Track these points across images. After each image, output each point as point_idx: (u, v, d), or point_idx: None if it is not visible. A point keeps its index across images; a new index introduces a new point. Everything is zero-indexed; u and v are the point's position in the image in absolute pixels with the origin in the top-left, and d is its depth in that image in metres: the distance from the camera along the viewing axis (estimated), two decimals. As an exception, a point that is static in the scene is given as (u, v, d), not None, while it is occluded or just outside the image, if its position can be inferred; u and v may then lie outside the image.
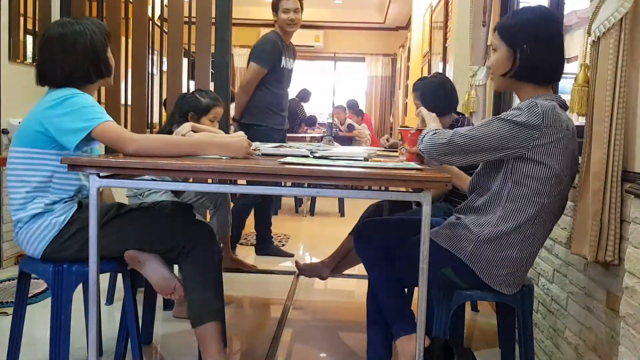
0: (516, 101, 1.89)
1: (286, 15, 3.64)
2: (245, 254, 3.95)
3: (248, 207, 3.88)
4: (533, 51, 1.72)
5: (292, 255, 3.90)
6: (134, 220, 1.95)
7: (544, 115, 1.64)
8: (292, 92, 8.45)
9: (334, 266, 2.79)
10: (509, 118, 1.67)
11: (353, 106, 8.98)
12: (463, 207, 1.86)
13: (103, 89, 4.27)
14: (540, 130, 1.64)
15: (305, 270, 2.88)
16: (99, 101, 4.27)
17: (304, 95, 8.43)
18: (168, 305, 2.82)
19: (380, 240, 1.96)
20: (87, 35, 1.88)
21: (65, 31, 1.87)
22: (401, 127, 2.42)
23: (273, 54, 3.63)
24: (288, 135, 6.79)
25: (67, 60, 1.86)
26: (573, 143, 1.73)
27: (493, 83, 1.89)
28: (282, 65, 3.68)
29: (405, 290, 2.16)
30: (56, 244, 1.85)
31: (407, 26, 9.41)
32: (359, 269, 2.57)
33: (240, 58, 10.96)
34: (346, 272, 2.89)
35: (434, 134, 1.75)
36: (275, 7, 3.69)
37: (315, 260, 3.14)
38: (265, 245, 3.99)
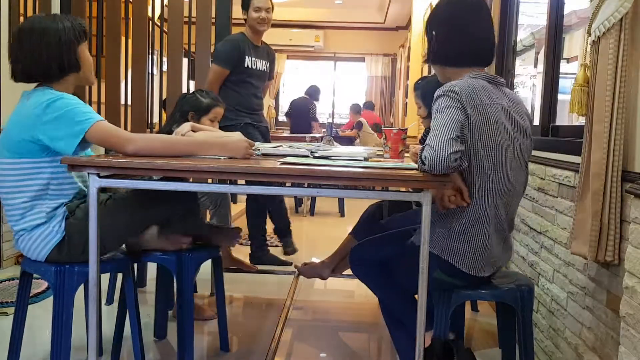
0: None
1: (257, 14, 3.52)
2: (246, 253, 3.95)
3: (260, 208, 3.85)
4: (440, 34, 1.83)
5: (290, 264, 3.83)
6: (119, 208, 1.92)
7: (460, 94, 1.68)
8: (296, 90, 8.42)
9: (334, 266, 2.79)
10: (439, 109, 1.69)
11: (353, 108, 8.97)
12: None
13: (103, 89, 4.28)
14: (465, 109, 1.67)
15: (306, 271, 2.88)
16: (98, 101, 4.28)
17: (313, 93, 8.20)
18: (168, 305, 2.82)
19: (373, 259, 1.98)
20: (55, 30, 1.83)
21: (34, 26, 1.84)
22: (385, 127, 2.49)
23: (232, 54, 3.53)
24: (293, 135, 6.77)
25: (30, 53, 1.82)
26: (505, 112, 1.75)
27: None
28: (246, 65, 3.56)
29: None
30: (60, 250, 1.84)
31: (407, 26, 9.40)
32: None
33: (240, 58, 10.95)
34: (346, 272, 2.88)
35: (422, 161, 1.67)
36: (245, 5, 3.59)
37: (315, 260, 3.13)
38: (261, 253, 3.87)
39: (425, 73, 6.44)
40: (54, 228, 1.83)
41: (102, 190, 2.06)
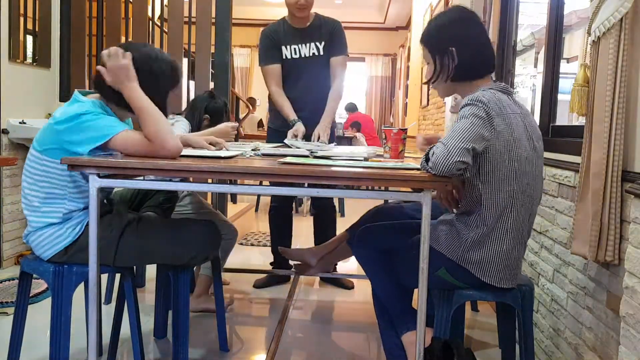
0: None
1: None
2: (247, 253, 3.95)
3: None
4: (458, 51, 1.79)
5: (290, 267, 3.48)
6: (148, 234, 1.94)
7: (488, 105, 1.66)
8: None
9: (322, 256, 2.66)
10: (464, 115, 1.67)
11: (349, 107, 8.92)
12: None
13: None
14: (492, 120, 1.65)
15: (291, 252, 2.85)
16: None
17: None
18: (168, 304, 2.82)
19: (377, 245, 1.97)
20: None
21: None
22: (385, 127, 2.48)
23: (267, 50, 3.17)
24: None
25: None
26: (524, 121, 1.74)
27: (438, 93, 1.96)
28: (284, 57, 3.18)
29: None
30: (67, 253, 1.86)
31: (407, 26, 9.41)
32: (359, 269, 2.57)
33: (240, 58, 10.95)
34: (347, 272, 2.87)
35: (428, 158, 1.67)
36: None
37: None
38: (281, 258, 3.35)
39: (425, 73, 6.43)
40: (67, 231, 1.85)
41: (133, 208, 2.14)
